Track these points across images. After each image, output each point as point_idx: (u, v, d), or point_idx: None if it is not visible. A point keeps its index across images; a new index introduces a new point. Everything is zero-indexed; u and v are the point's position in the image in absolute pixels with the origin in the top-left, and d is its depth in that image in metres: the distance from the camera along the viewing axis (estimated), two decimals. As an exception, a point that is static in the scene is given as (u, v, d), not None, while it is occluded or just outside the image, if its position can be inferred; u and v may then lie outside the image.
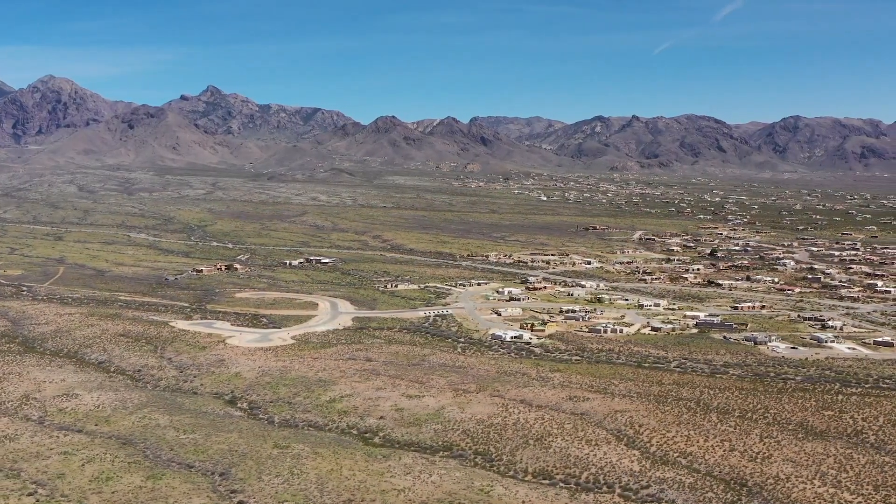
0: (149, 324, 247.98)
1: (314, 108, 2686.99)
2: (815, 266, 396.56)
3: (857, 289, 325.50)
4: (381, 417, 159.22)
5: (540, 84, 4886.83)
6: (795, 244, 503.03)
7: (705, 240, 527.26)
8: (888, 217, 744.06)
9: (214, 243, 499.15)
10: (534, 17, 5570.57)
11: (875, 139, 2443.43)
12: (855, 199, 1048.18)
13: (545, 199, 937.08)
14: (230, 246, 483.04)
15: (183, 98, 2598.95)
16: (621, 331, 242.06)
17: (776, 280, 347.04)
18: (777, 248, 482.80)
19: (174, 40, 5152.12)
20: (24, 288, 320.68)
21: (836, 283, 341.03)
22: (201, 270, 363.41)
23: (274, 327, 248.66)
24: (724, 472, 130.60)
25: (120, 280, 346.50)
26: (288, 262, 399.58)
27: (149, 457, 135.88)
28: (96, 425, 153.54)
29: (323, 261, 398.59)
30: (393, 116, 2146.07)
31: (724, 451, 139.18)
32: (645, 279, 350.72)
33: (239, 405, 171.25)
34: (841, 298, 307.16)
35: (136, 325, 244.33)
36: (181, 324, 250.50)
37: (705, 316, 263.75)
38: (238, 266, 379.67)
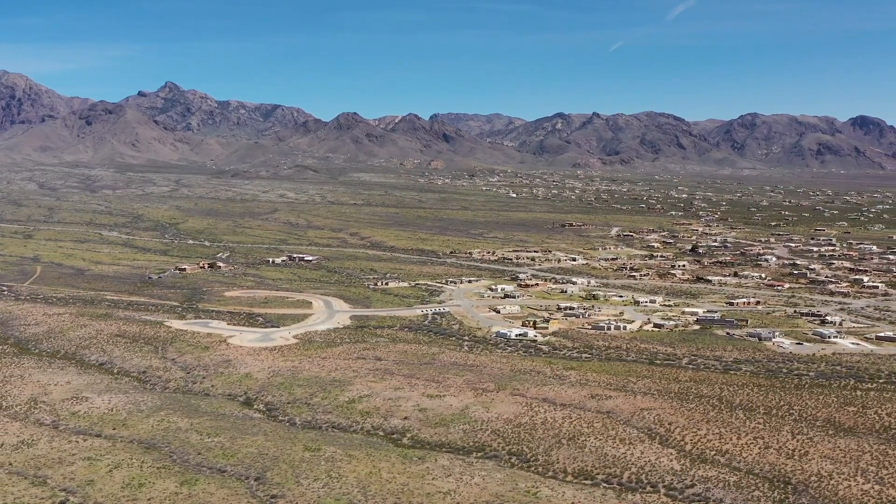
0: (143, 324, 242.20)
1: (274, 105, 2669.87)
2: (798, 262, 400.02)
3: (844, 284, 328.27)
4: (406, 418, 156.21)
5: (499, 81, 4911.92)
6: (772, 240, 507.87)
7: (683, 236, 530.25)
8: (854, 213, 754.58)
9: (190, 241, 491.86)
10: (491, 16, 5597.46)
11: (831, 136, 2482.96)
12: (818, 195, 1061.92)
13: (514, 195, 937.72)
14: (207, 244, 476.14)
15: (141, 94, 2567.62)
16: (624, 328, 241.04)
17: (763, 276, 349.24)
18: (755, 244, 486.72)
19: (128, 36, 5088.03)
20: (4, 287, 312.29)
21: (823, 278, 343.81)
22: (184, 269, 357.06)
23: (272, 326, 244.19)
24: (765, 470, 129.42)
25: (102, 279, 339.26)
26: (271, 259, 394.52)
27: (177, 461, 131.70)
28: (114, 429, 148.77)
29: (306, 258, 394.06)
30: (355, 113, 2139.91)
31: (760, 448, 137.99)
32: (634, 276, 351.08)
33: (255, 407, 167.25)
34: (831, 294, 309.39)
35: (131, 326, 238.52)
36: (176, 323, 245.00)
37: (704, 312, 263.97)
38: (221, 264, 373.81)
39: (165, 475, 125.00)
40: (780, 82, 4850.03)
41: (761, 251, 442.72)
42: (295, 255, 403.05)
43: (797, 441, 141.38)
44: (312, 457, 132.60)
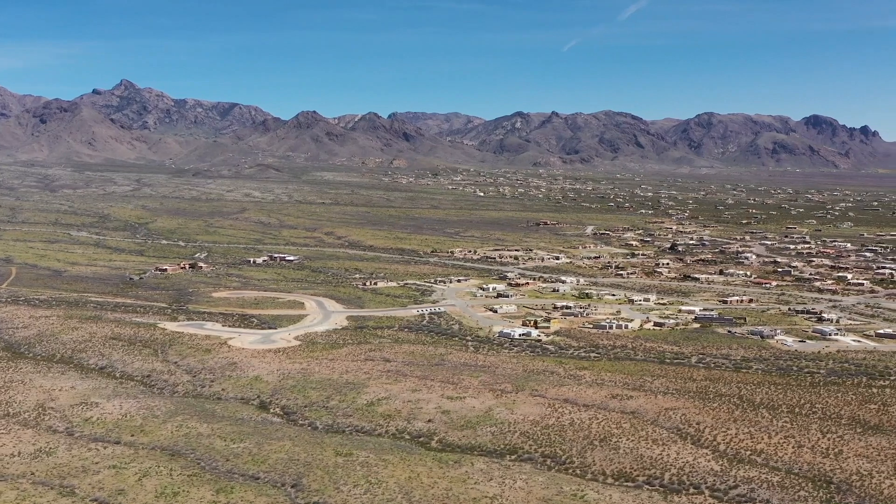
0: (136, 326, 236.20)
1: (231, 104, 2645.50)
2: (778, 259, 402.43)
3: (829, 281, 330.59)
4: (430, 421, 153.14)
5: (456, 80, 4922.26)
6: (747, 238, 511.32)
7: (658, 234, 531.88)
8: (820, 211, 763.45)
9: (164, 241, 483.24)
10: (444, 15, 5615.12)
11: (785, 135, 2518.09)
12: (779, 193, 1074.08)
13: (482, 194, 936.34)
14: (181, 244, 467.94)
15: (95, 92, 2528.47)
16: (626, 326, 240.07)
17: (749, 274, 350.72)
18: (731, 241, 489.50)
19: (81, 33, 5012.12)
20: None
21: (808, 276, 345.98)
22: (165, 269, 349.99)
23: (269, 328, 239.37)
24: (804, 469, 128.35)
25: (82, 280, 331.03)
26: (252, 260, 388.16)
27: (205, 468, 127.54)
28: (133, 436, 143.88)
29: (288, 258, 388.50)
30: (314, 112, 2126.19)
31: (794, 447, 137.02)
32: (621, 274, 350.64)
33: (272, 410, 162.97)
34: (820, 291, 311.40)
35: (124, 328, 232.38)
36: (170, 325, 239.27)
37: (701, 310, 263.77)
38: (202, 265, 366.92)
39: (198, 483, 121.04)
40: (735, 82, 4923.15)
41: (740, 249, 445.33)
42: (276, 255, 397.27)
43: (828, 440, 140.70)
44: (346, 462, 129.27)
